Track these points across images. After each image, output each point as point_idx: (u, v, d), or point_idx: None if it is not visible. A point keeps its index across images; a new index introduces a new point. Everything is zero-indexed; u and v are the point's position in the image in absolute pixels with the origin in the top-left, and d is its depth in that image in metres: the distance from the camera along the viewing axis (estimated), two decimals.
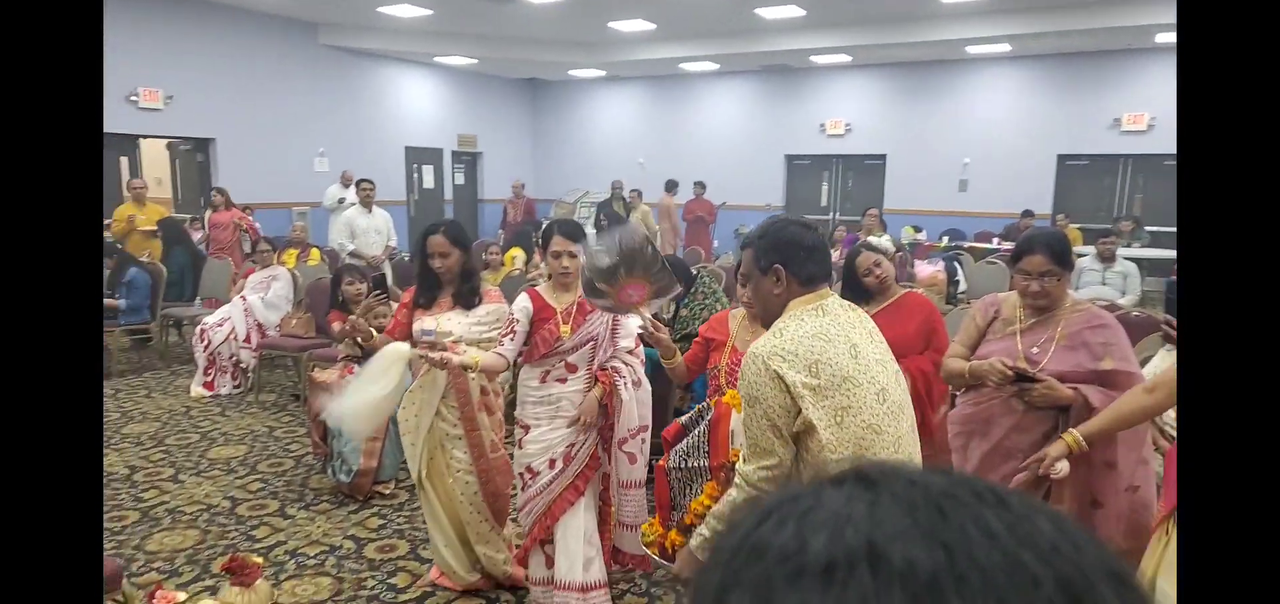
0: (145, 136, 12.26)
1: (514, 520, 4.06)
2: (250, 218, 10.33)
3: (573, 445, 3.49)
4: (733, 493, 2.28)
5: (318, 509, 4.88)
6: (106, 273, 8.22)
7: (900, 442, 2.20)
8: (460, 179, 17.91)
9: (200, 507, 4.89)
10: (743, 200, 16.32)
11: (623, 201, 12.56)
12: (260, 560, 3.73)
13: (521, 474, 3.58)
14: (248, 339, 7.50)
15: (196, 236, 10.22)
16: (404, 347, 3.60)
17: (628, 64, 16.03)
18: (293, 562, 4.25)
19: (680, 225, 12.72)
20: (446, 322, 3.66)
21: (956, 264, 10.09)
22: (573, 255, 3.45)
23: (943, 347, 3.89)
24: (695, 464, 2.75)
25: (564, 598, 3.51)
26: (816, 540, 0.43)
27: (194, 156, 13.04)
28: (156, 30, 11.72)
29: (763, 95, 16.98)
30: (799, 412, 2.10)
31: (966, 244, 12.28)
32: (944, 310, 5.00)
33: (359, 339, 3.86)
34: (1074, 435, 2.78)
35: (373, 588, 4.00)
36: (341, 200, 11.03)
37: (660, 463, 2.88)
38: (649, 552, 2.88)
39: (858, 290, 4.00)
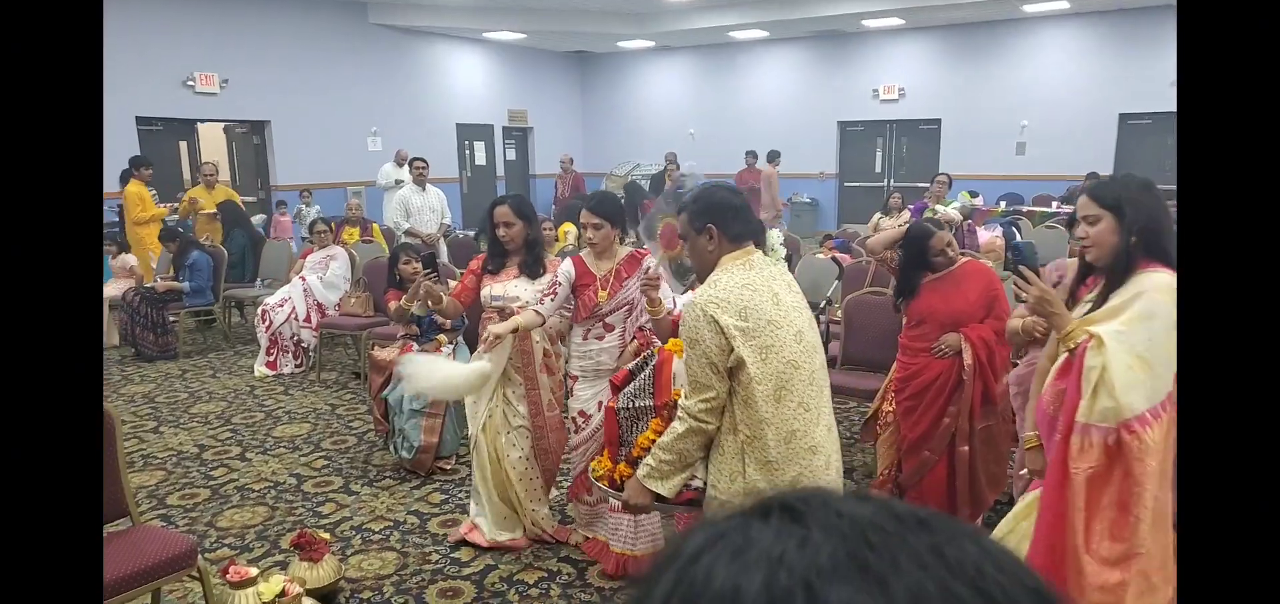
0: (202, 121, 12.48)
1: (559, 486, 4.45)
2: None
3: None
4: (676, 425, 2.58)
5: (381, 485, 4.96)
6: (169, 257, 8.42)
7: (814, 376, 2.54)
8: (511, 155, 17.97)
9: (268, 484, 5.00)
10: (796, 169, 16.16)
11: (669, 174, 12.47)
12: (327, 536, 3.82)
13: (575, 417, 3.93)
14: (308, 319, 7.62)
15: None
16: (487, 368, 3.87)
17: (676, 34, 15.92)
18: (358, 537, 4.33)
19: (779, 198, 12.63)
20: (514, 288, 3.97)
21: (1015, 229, 9.92)
22: (597, 227, 3.73)
23: (1004, 314, 3.85)
24: (642, 404, 2.96)
25: (618, 519, 3.80)
26: (751, 583, 0.43)
27: (250, 139, 13.25)
28: (211, 15, 11.90)
29: (814, 61, 16.77)
30: (732, 350, 2.42)
31: (1025, 208, 12.04)
32: (1002, 276, 4.92)
33: (430, 303, 4.09)
34: (1029, 436, 2.82)
35: (437, 562, 4.06)
36: (398, 181, 11.11)
37: (610, 403, 3.08)
38: (599, 484, 3.06)
39: (920, 262, 3.98)
